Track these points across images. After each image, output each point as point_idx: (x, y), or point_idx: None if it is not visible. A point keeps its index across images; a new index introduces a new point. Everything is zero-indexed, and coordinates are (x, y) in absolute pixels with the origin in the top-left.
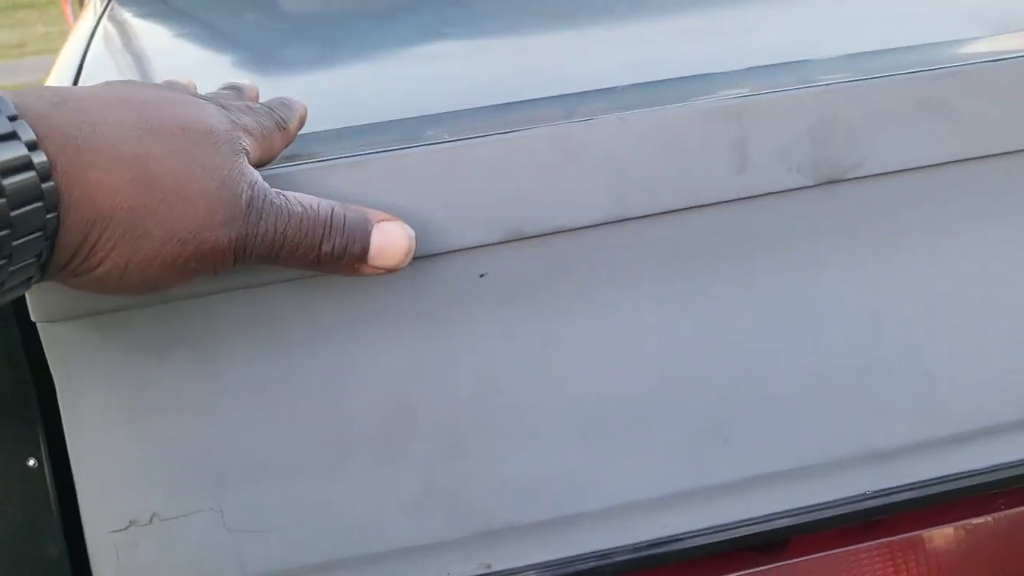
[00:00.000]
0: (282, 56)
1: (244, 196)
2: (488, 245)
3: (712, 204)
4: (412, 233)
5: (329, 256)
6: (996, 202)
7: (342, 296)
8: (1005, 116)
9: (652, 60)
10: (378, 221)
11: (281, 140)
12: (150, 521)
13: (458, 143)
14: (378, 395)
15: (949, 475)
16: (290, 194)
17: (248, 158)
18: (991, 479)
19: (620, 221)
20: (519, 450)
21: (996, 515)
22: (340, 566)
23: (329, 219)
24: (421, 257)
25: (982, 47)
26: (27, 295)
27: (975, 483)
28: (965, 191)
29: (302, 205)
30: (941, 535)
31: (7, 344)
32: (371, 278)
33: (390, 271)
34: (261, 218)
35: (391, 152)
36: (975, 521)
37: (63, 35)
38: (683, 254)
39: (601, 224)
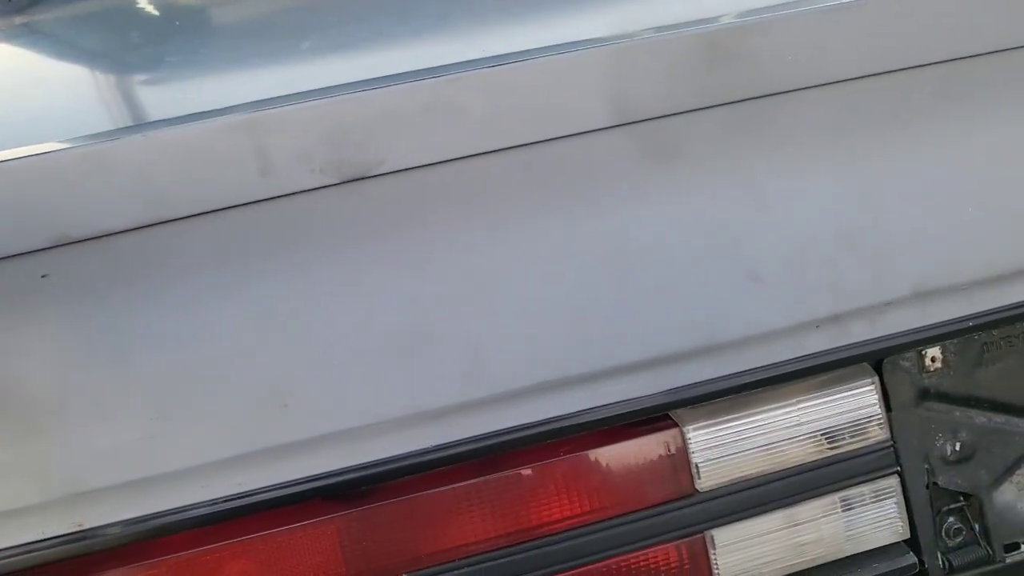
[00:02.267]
0: None
1: None
2: (41, 250)
3: (247, 204)
4: None
5: None
6: (523, 192)
7: None
8: (512, 112)
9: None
10: None
11: None
12: None
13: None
14: None
15: (503, 429)
16: None
17: None
18: (543, 430)
19: (161, 223)
20: (98, 420)
21: (558, 459)
22: None
23: None
24: None
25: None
26: None
27: (529, 434)
28: (491, 182)
29: None
30: (506, 479)
31: None
32: None
33: None
34: None
35: None
36: (542, 463)
37: None
38: (231, 249)
39: (144, 227)
